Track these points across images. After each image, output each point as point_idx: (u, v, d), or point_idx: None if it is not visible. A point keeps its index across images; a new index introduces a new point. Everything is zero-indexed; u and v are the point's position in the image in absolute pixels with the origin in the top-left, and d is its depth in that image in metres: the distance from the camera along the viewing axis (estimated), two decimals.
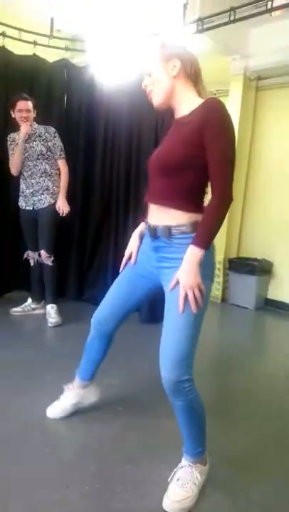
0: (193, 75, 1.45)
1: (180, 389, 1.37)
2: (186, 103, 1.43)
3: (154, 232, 1.47)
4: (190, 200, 1.41)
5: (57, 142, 3.27)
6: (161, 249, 1.48)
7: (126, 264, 1.70)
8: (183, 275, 1.35)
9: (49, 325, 3.25)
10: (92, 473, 1.63)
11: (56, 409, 1.99)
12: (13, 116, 3.19)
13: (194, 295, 1.34)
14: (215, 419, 1.99)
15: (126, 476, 1.63)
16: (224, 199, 1.34)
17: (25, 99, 3.16)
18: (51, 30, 3.76)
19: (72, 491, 1.53)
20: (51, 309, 3.34)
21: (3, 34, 3.57)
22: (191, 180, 1.39)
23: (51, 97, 3.79)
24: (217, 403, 2.25)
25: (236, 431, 2.02)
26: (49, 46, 3.80)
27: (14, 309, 3.48)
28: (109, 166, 3.78)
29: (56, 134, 3.28)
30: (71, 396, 2.00)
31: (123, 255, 1.74)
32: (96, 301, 3.62)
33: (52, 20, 3.75)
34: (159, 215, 1.45)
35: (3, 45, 3.57)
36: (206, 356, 2.93)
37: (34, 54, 3.73)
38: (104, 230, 3.87)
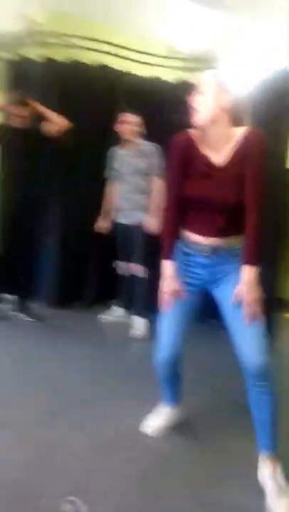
0: (237, 116, 1.56)
1: (270, 372, 1.49)
2: (224, 139, 1.55)
3: (214, 251, 1.62)
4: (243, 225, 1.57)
5: (157, 160, 3.28)
6: (218, 263, 1.63)
7: (170, 302, 1.70)
8: (246, 294, 1.51)
9: (132, 336, 3.26)
10: (174, 489, 1.59)
11: (153, 428, 1.98)
12: (117, 130, 3.32)
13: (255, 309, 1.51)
14: None
15: (206, 497, 1.58)
16: (261, 220, 1.53)
17: (132, 112, 3.27)
18: (171, 52, 3.89)
19: (160, 503, 1.50)
20: (137, 320, 3.35)
21: (128, 58, 3.80)
22: (244, 212, 1.55)
23: (168, 116, 3.88)
24: None
25: None
26: (169, 67, 3.92)
27: (103, 316, 3.60)
28: None
29: (159, 152, 3.30)
30: (166, 417, 2.00)
31: None
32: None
33: (172, 42, 3.89)
34: (219, 239, 1.61)
35: (128, 69, 3.81)
36: None
37: (155, 75, 3.89)
38: None
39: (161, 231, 1.76)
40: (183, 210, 1.66)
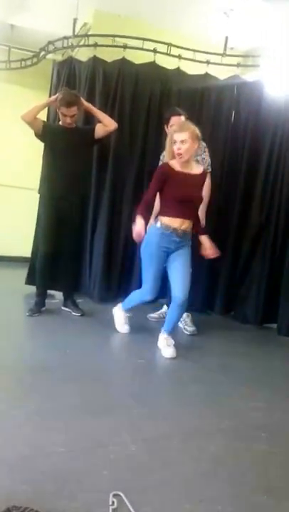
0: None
1: (186, 301, 2.71)
2: (193, 166, 2.72)
3: (183, 234, 2.68)
4: None
5: (205, 157, 3.19)
6: (182, 242, 2.69)
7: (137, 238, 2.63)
8: (209, 244, 2.77)
9: (186, 333, 3.27)
10: (227, 494, 1.53)
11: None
12: (167, 131, 3.17)
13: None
14: None
15: (261, 507, 1.46)
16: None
17: (179, 114, 3.14)
18: (224, 49, 3.85)
19: (204, 506, 1.47)
20: (186, 318, 3.33)
21: (179, 56, 3.80)
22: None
23: (220, 113, 3.84)
24: None
25: None
26: (221, 64, 3.88)
27: (151, 315, 3.57)
28: (273, 180, 3.66)
29: (206, 149, 3.21)
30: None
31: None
32: (246, 321, 3.57)
33: (226, 38, 3.84)
34: (185, 225, 2.67)
35: (178, 67, 3.81)
36: None
37: (206, 73, 3.86)
38: (261, 243, 3.69)
39: (140, 207, 2.67)
40: (167, 205, 2.67)
